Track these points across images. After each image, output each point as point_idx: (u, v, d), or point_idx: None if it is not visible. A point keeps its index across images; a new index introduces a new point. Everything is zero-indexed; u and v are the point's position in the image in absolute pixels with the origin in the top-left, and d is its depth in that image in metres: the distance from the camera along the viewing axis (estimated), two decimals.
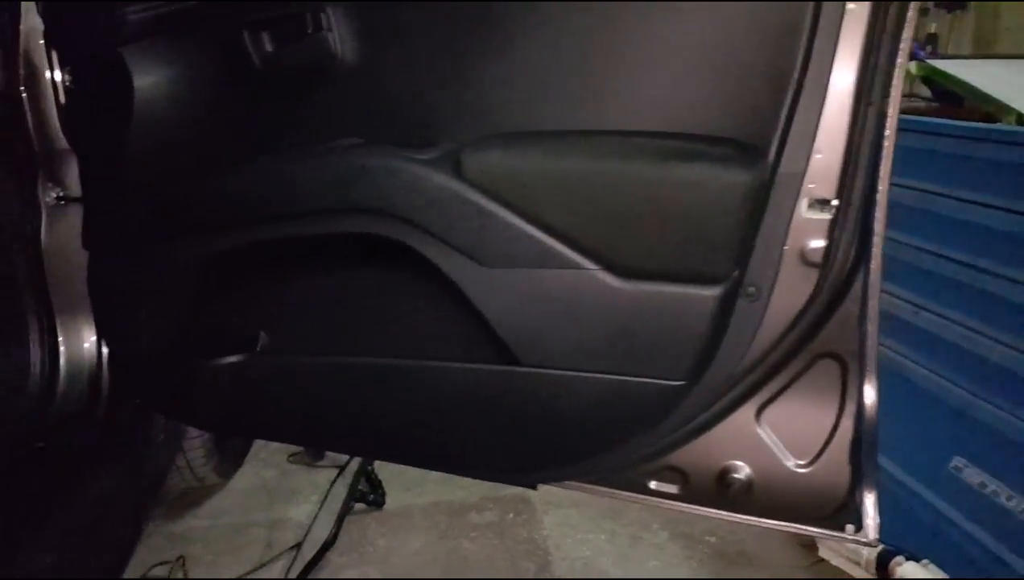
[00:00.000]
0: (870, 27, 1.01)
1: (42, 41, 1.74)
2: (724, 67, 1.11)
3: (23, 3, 1.67)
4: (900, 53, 1.01)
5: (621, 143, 1.16)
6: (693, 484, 1.29)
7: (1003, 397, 1.85)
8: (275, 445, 3.29)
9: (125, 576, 1.83)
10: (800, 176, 1.07)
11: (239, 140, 1.38)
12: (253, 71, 1.31)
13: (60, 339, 1.86)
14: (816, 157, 1.06)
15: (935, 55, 2.97)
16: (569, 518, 2.87)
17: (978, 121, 2.12)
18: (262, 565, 2.60)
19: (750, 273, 1.13)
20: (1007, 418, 1.83)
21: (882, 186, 1.05)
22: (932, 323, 2.05)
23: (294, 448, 3.27)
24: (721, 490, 1.27)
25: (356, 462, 3.08)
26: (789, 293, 1.13)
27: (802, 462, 1.23)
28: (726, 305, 1.15)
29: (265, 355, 1.47)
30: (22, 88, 1.74)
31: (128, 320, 1.65)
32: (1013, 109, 2.11)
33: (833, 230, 1.09)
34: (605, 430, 1.29)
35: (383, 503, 2.95)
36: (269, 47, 1.30)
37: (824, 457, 1.21)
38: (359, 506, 2.92)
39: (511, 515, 2.90)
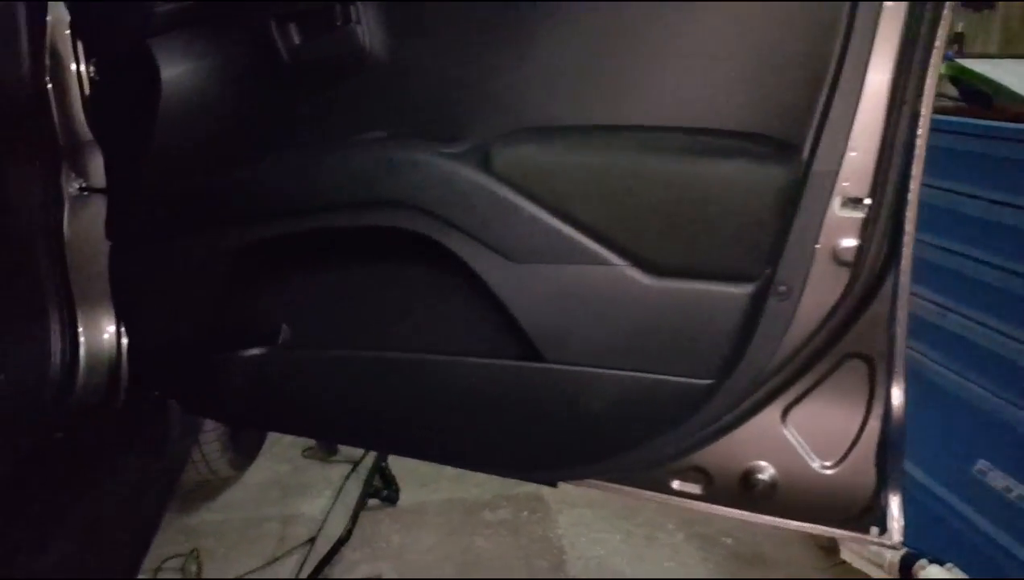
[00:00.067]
0: (906, 26, 1.00)
1: (68, 32, 1.74)
2: (759, 63, 1.09)
3: None
4: (934, 52, 1.00)
5: (653, 138, 1.15)
6: (717, 484, 1.27)
7: None
8: (288, 439, 3.30)
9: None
10: (834, 174, 1.06)
11: (265, 133, 1.37)
12: (281, 64, 1.31)
13: (80, 330, 1.86)
14: (850, 155, 1.05)
15: (961, 54, 2.94)
16: (583, 517, 2.86)
17: (1007, 121, 2.09)
18: (275, 559, 2.60)
19: (781, 271, 1.11)
20: None
21: (914, 186, 1.04)
22: (958, 325, 2.02)
23: (308, 443, 3.28)
24: (745, 491, 1.25)
25: (370, 457, 3.08)
26: (820, 292, 1.11)
27: (828, 463, 1.21)
28: (756, 304, 1.14)
29: (287, 348, 1.47)
30: (47, 80, 1.75)
31: (149, 312, 1.65)
32: None
33: (865, 229, 1.07)
34: (629, 428, 1.27)
35: (397, 499, 2.95)
36: (297, 40, 1.30)
37: (850, 458, 1.20)
38: (373, 502, 2.92)
39: (525, 513, 2.89)
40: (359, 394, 1.46)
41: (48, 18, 1.74)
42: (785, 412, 1.21)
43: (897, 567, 1.95)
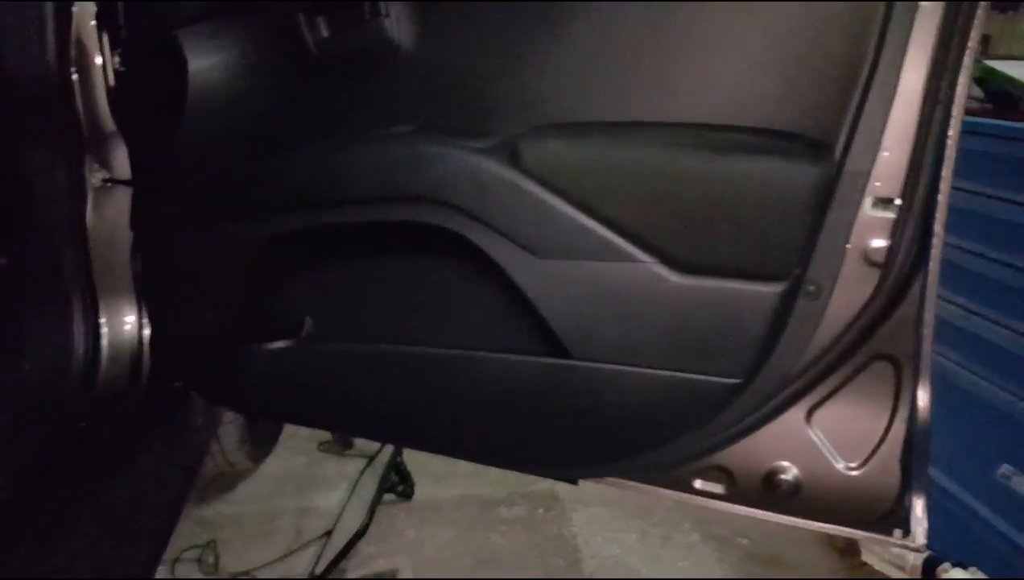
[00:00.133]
0: (942, 26, 0.99)
1: (93, 23, 1.75)
2: (792, 62, 1.09)
3: None
4: (967, 53, 1.00)
5: (684, 135, 1.14)
6: (739, 484, 1.27)
7: None
8: (304, 433, 3.31)
9: None
10: (866, 174, 1.05)
11: (292, 126, 1.37)
12: (308, 57, 1.31)
13: (102, 321, 1.87)
14: (883, 155, 1.04)
15: (986, 55, 2.92)
16: (598, 516, 2.86)
17: None
18: (292, 552, 2.61)
19: (811, 271, 1.11)
20: None
21: (944, 187, 1.04)
22: (982, 328, 2.01)
23: (323, 436, 3.28)
24: (768, 491, 1.25)
25: (385, 452, 3.09)
26: (849, 293, 1.11)
27: (852, 465, 1.21)
28: (786, 303, 1.13)
29: (311, 341, 1.47)
30: (73, 71, 1.75)
31: (173, 303, 1.66)
32: None
33: (896, 230, 1.07)
34: (654, 427, 1.27)
35: (412, 494, 2.95)
36: (325, 33, 1.29)
37: (875, 460, 1.20)
38: (388, 497, 2.92)
39: (540, 511, 2.89)
40: (381, 388, 1.46)
41: (74, 9, 1.74)
42: (810, 412, 1.21)
43: (920, 570, 1.93)
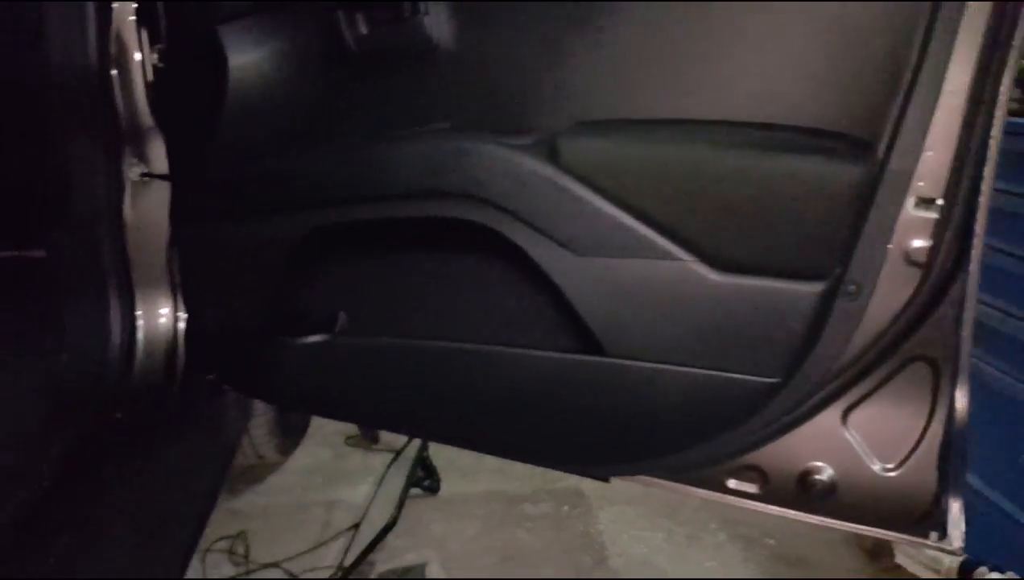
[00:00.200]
0: (989, 26, 0.98)
1: (132, 20, 1.77)
2: (837, 60, 1.08)
3: None
4: (1012, 53, 0.99)
5: (725, 132, 1.14)
6: (773, 484, 1.26)
7: None
8: (331, 427, 3.34)
9: None
10: (910, 173, 1.05)
11: (331, 121, 1.38)
12: (347, 53, 1.31)
13: (139, 313, 1.90)
14: (926, 154, 1.03)
15: None
16: (624, 514, 2.86)
17: None
18: (321, 544, 2.64)
19: (852, 270, 1.10)
20: None
21: (985, 188, 1.03)
22: (1019, 329, 1.98)
23: (351, 430, 3.31)
24: (802, 491, 1.25)
25: (411, 447, 3.10)
26: (889, 293, 1.10)
27: (888, 466, 1.20)
28: (826, 302, 1.13)
29: (347, 335, 1.48)
30: (112, 67, 1.77)
31: (209, 296, 1.68)
32: None
33: (938, 230, 1.06)
34: (690, 425, 1.26)
35: (438, 489, 2.97)
36: (364, 29, 1.30)
37: (911, 462, 1.19)
38: (414, 491, 2.94)
39: (566, 508, 2.90)
40: (414, 383, 1.47)
41: (114, 7, 1.77)
42: (846, 413, 1.20)
43: (955, 572, 1.91)
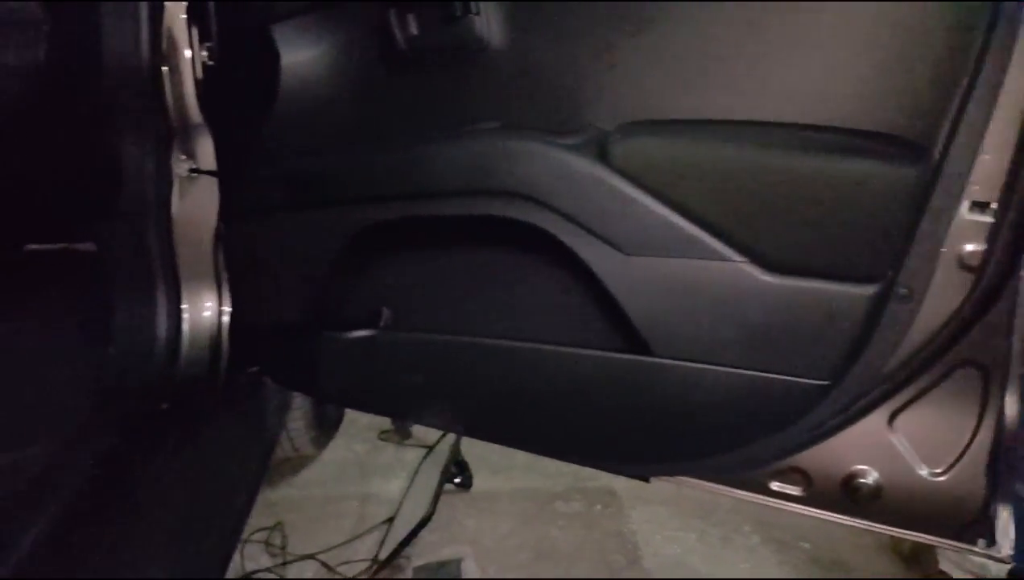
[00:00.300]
0: None
1: (183, 17, 1.80)
2: (893, 63, 1.08)
3: None
4: None
5: (778, 134, 1.14)
6: (817, 487, 1.26)
7: None
8: (365, 421, 3.37)
9: None
10: (965, 177, 1.04)
11: (380, 119, 1.40)
12: (398, 52, 1.33)
13: (184, 306, 1.93)
14: (982, 158, 1.02)
15: None
16: (657, 515, 2.85)
17: None
18: (356, 537, 2.66)
19: (904, 274, 1.09)
20: None
21: None
22: None
23: (384, 424, 3.34)
24: (846, 495, 1.24)
25: (444, 442, 3.12)
26: (941, 297, 1.09)
27: (936, 471, 1.19)
28: (877, 305, 1.12)
29: (391, 331, 1.50)
30: (163, 64, 1.81)
31: (255, 291, 1.70)
32: None
33: (992, 235, 1.05)
34: (736, 427, 1.26)
35: (470, 485, 2.98)
36: (415, 30, 1.32)
37: (959, 467, 1.17)
38: (447, 487, 2.95)
39: (598, 507, 2.90)
40: (457, 379, 1.48)
41: (166, 4, 1.80)
42: (893, 416, 1.19)
43: None
